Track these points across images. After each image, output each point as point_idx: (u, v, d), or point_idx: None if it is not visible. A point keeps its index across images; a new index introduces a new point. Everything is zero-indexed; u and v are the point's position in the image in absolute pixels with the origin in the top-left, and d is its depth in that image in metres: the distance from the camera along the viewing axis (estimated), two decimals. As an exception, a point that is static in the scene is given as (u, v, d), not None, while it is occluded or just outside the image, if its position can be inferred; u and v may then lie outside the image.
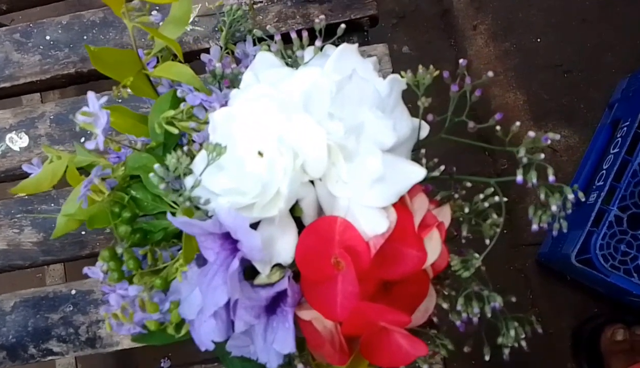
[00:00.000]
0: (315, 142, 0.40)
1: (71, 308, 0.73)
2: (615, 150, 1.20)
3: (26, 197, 0.73)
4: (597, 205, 1.14)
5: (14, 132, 0.75)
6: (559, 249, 1.20)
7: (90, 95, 0.41)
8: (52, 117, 0.76)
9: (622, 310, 1.22)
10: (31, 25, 0.78)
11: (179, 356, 1.20)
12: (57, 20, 0.77)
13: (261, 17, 0.76)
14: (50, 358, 0.72)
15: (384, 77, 0.75)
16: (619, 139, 1.21)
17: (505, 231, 1.31)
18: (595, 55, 1.35)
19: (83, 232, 0.71)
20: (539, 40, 1.39)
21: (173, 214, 0.44)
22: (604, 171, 1.20)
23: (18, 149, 0.75)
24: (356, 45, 0.44)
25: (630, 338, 1.17)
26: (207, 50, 0.77)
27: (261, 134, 0.42)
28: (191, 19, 0.76)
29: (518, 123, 0.44)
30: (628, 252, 1.10)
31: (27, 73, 0.77)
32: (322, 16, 0.47)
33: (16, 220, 0.74)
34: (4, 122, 0.76)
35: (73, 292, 0.73)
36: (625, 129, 1.20)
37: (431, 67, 0.48)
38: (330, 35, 0.78)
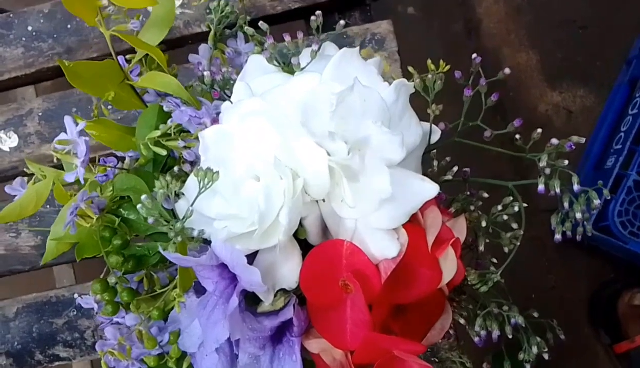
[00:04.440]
0: (315, 164, 0.37)
1: (75, 313, 0.71)
2: (634, 111, 1.14)
3: (20, 200, 0.70)
4: (615, 170, 1.10)
5: (2, 131, 0.72)
6: (576, 217, 1.16)
7: (67, 119, 0.37)
8: (40, 113, 0.72)
9: (640, 274, 1.19)
10: (11, 15, 0.73)
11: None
12: (39, 9, 0.73)
13: (255, -4, 0.71)
14: (57, 363, 0.71)
15: (390, 58, 0.70)
16: (638, 98, 1.15)
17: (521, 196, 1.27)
18: (612, 9, 1.28)
19: (81, 235, 0.69)
20: (551, -7, 1.31)
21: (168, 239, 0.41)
22: (622, 134, 1.15)
23: (8, 149, 0.72)
24: (357, 48, 0.39)
25: (648, 303, 1.15)
26: (198, 35, 0.72)
27: (256, 156, 0.38)
28: (180, 1, 0.71)
29: (539, 130, 0.39)
30: (647, 218, 1.07)
31: (11, 67, 0.72)
32: (319, 12, 0.43)
33: (12, 224, 0.72)
34: (-10, 121, 0.72)
35: (76, 296, 0.71)
36: (644, 88, 1.14)
37: (441, 62, 0.44)
38: (329, 12, 0.73)
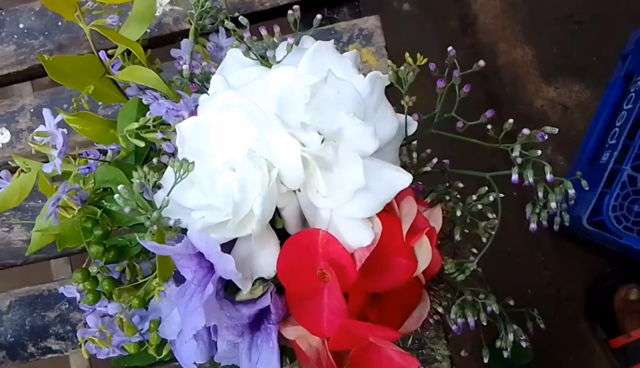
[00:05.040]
0: (289, 155, 0.37)
1: (67, 306, 0.72)
2: (629, 106, 1.14)
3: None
4: (610, 165, 1.10)
5: (-5, 127, 0.73)
6: (570, 211, 1.16)
7: (46, 112, 0.38)
8: (32, 110, 0.73)
9: (636, 269, 1.19)
10: (3, 13, 0.74)
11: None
12: (30, 7, 0.74)
13: (244, -8, 0.71)
14: (50, 356, 0.72)
15: (378, 53, 0.71)
16: (633, 94, 1.15)
17: (515, 193, 1.28)
18: (608, 4, 1.28)
19: (73, 229, 0.69)
20: (547, -11, 1.31)
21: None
22: (617, 129, 1.15)
23: (0, 145, 0.73)
24: (331, 41, 0.40)
25: (644, 298, 1.15)
26: (188, 31, 0.73)
27: (232, 147, 0.38)
28: (170, -1, 0.72)
29: (511, 120, 0.40)
30: (642, 213, 1.07)
31: (3, 64, 0.73)
32: (297, 6, 0.43)
33: (4, 218, 0.73)
34: (-17, 117, 0.73)
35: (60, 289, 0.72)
36: (639, 82, 1.14)
37: (419, 55, 0.44)
38: (317, 8, 0.73)
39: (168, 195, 0.38)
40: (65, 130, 0.38)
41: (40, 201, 0.72)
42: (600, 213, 1.09)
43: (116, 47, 0.49)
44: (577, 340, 1.25)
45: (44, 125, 0.72)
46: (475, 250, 0.48)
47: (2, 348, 0.72)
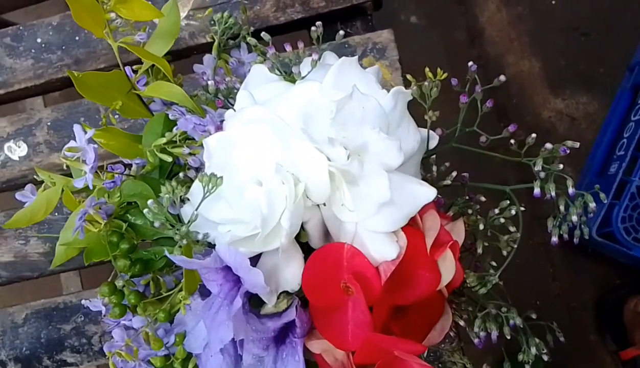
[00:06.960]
0: (316, 169, 0.38)
1: (82, 319, 0.72)
2: (636, 118, 1.15)
3: (29, 208, 0.71)
4: (619, 176, 1.10)
5: (12, 140, 0.73)
6: (579, 223, 1.16)
7: (77, 128, 0.39)
8: (49, 123, 0.73)
9: (646, 281, 1.19)
10: (21, 28, 0.75)
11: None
12: (48, 22, 0.74)
13: (258, 7, 0.72)
14: (65, 369, 0.72)
15: (391, 66, 0.71)
16: (640, 105, 1.15)
17: (523, 204, 1.28)
18: (614, 15, 1.29)
19: (89, 242, 0.70)
20: (553, 2, 1.32)
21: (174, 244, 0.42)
22: (625, 140, 1.15)
23: (17, 158, 0.73)
24: (356, 58, 0.40)
25: (654, 309, 1.15)
26: (204, 46, 0.74)
27: (259, 162, 0.39)
28: (185, 13, 0.72)
29: (534, 135, 0.40)
30: (651, 224, 1.07)
31: (21, 78, 0.74)
32: (319, 23, 0.44)
33: (21, 231, 0.73)
34: (1, 130, 0.74)
35: (83, 301, 0.72)
36: (646, 94, 1.15)
37: (439, 70, 0.45)
38: (331, 22, 0.74)
39: (197, 209, 0.38)
40: (96, 146, 0.38)
41: (57, 214, 0.73)
42: (610, 225, 1.09)
43: (137, 61, 0.49)
44: (587, 352, 1.24)
45: (64, 138, 0.73)
46: (494, 263, 0.48)
47: (18, 361, 0.72)
